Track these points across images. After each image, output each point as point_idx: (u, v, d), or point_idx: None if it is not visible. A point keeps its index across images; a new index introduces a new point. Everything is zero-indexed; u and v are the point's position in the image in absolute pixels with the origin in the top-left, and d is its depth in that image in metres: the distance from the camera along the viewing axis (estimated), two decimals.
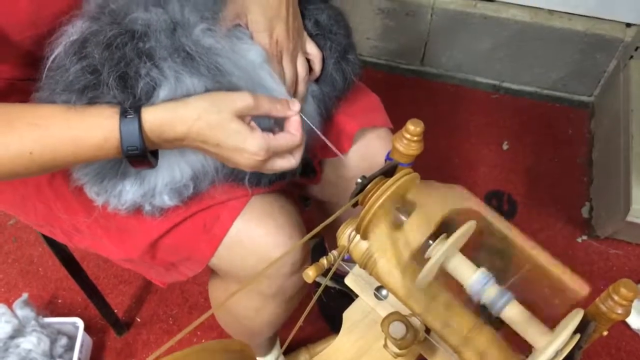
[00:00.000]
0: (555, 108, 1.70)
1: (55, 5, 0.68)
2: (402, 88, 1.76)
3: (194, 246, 0.80)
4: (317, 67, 0.79)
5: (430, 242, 0.58)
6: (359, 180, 0.63)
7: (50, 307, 1.32)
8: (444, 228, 0.59)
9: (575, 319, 0.51)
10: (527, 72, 1.68)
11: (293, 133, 0.67)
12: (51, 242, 0.99)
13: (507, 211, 1.51)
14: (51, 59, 0.66)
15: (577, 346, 0.50)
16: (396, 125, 0.93)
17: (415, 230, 0.58)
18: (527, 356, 0.54)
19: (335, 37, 0.80)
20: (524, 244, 0.57)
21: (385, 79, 1.77)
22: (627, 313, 0.52)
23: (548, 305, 0.55)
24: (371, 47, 1.75)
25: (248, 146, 0.63)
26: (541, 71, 1.66)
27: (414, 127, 0.64)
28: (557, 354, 0.50)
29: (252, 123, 0.64)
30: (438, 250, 0.56)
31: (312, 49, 0.78)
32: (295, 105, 0.67)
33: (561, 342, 0.49)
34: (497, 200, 1.53)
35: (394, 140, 0.66)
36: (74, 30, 0.66)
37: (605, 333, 0.54)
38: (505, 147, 1.62)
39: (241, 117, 0.63)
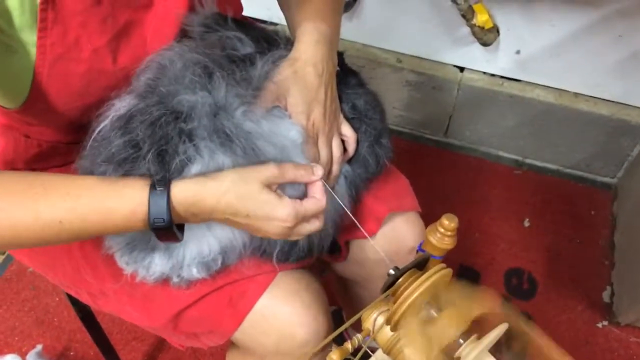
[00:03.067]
0: (578, 187, 1.71)
1: (104, 81, 0.71)
2: (426, 157, 1.77)
3: (218, 319, 0.80)
4: (351, 148, 0.80)
5: (461, 340, 0.58)
6: (391, 272, 0.64)
7: (62, 359, 1.31)
8: (472, 327, 0.59)
9: None
10: (551, 150, 1.69)
11: (318, 198, 0.68)
12: (72, 298, 0.99)
13: (527, 290, 1.49)
14: (97, 130, 0.69)
15: None
16: (417, 194, 0.94)
17: (448, 326, 0.59)
18: None
19: (370, 121, 0.82)
20: (542, 343, 0.56)
21: (409, 148, 1.79)
22: None
23: None
24: (396, 116, 1.78)
25: (278, 214, 0.64)
26: (565, 150, 1.67)
27: (448, 222, 0.65)
28: None
29: (279, 191, 0.66)
30: (469, 353, 0.55)
31: (347, 130, 0.79)
32: (319, 170, 0.69)
33: None
34: (517, 279, 1.51)
35: (428, 234, 0.66)
36: (122, 105, 0.68)
37: None
38: (526, 224, 1.62)
39: (269, 186, 0.64)
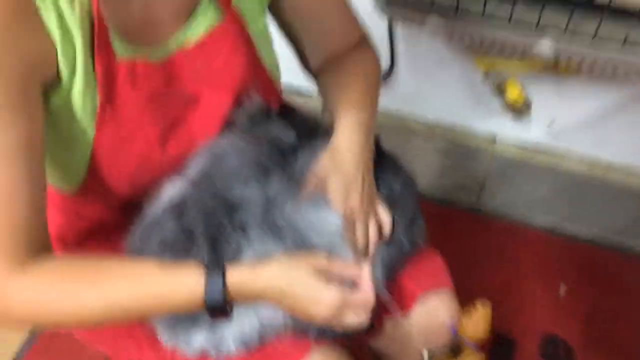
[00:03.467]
0: (614, 257, 1.69)
1: (153, 168, 0.77)
2: (457, 222, 1.79)
3: None
4: (386, 231, 0.84)
5: None
6: (425, 355, 0.66)
7: None
8: None
9: None
10: (586, 219, 1.69)
11: (367, 291, 0.71)
12: None
13: (563, 358, 1.47)
14: (149, 214, 0.74)
15: None
16: (450, 259, 0.95)
17: None
18: None
19: (405, 205, 0.86)
20: None
21: (440, 212, 1.81)
22: None
23: None
24: (429, 183, 1.81)
25: (324, 299, 0.67)
26: (600, 219, 1.67)
27: (483, 310, 0.67)
28: None
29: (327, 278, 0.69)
30: None
31: (383, 214, 0.83)
32: (365, 271, 0.72)
33: None
34: (553, 347, 1.50)
35: (462, 318, 0.69)
36: (174, 190, 0.74)
37: None
38: (561, 291, 1.61)
39: (318, 273, 0.68)
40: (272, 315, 0.77)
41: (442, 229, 1.75)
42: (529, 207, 1.75)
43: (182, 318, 0.77)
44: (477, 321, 0.67)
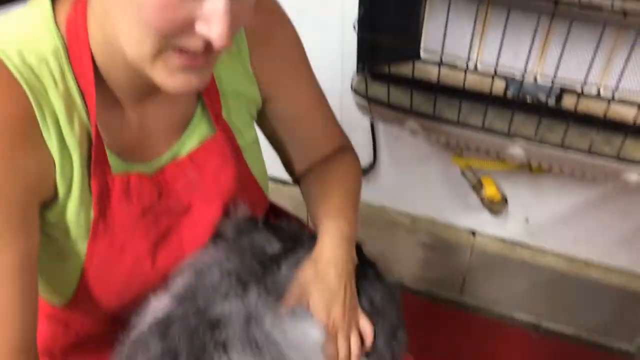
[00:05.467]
0: (597, 355, 1.69)
1: (143, 281, 0.77)
2: (441, 317, 1.79)
3: None
4: (368, 342, 0.83)
5: None
6: None
7: None
8: None
9: None
10: (567, 314, 1.70)
11: None
12: None
13: None
14: (135, 332, 0.73)
15: None
16: (433, 354, 0.93)
17: None
18: None
19: (387, 316, 0.86)
20: None
21: (424, 306, 1.81)
22: None
23: None
24: (412, 275, 1.82)
25: None
26: (581, 315, 1.68)
27: None
28: None
29: None
30: None
31: (365, 325, 0.83)
32: None
33: None
34: None
35: None
36: (159, 305, 0.74)
37: None
38: None
39: None
40: None
41: (424, 322, 1.75)
42: (510, 302, 1.75)
43: None
44: None
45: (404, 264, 1.79)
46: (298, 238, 0.85)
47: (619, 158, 1.07)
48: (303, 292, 0.78)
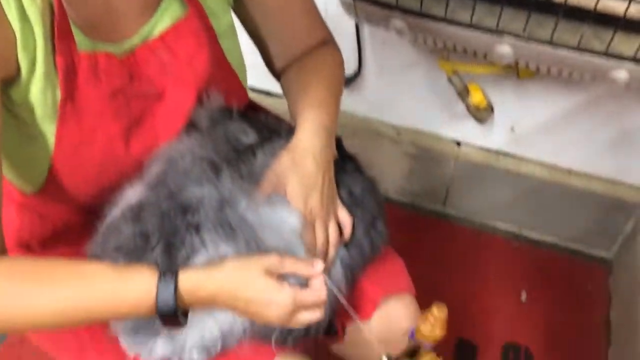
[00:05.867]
0: (574, 261, 1.72)
1: (117, 168, 0.75)
2: (424, 227, 1.80)
3: None
4: (347, 232, 0.83)
5: None
6: (384, 359, 0.66)
7: None
8: None
9: None
10: (547, 223, 1.72)
11: (317, 289, 0.70)
12: None
13: None
14: (109, 218, 0.72)
15: None
16: (416, 264, 0.95)
17: None
18: None
19: (366, 207, 0.85)
20: None
21: (408, 218, 1.82)
22: None
23: None
24: (396, 187, 1.82)
25: (276, 299, 0.66)
26: (561, 224, 1.70)
27: (438, 313, 0.67)
28: None
29: (280, 279, 0.68)
30: None
31: (343, 215, 0.83)
32: (319, 266, 0.71)
33: None
34: (514, 354, 1.51)
35: (419, 323, 0.69)
36: (133, 194, 0.72)
37: None
38: (523, 297, 1.63)
39: (269, 273, 0.67)
40: (230, 321, 0.76)
41: (408, 233, 1.76)
42: (492, 212, 1.77)
43: (144, 326, 0.75)
44: (434, 324, 0.67)
45: (388, 175, 1.79)
46: (275, 130, 0.83)
47: (607, 54, 1.04)
48: (280, 180, 0.76)
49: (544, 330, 1.56)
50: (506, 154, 1.63)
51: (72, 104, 0.69)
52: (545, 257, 1.73)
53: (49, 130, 0.69)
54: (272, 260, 0.68)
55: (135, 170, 0.75)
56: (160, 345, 0.75)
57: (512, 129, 1.56)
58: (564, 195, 1.61)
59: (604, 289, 1.65)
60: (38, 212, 0.82)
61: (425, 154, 1.69)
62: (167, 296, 0.64)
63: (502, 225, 1.78)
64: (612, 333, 1.53)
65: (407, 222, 1.81)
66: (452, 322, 1.49)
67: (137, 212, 0.69)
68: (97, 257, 0.72)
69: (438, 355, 0.67)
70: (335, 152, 0.83)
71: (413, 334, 0.71)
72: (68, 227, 0.84)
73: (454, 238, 1.78)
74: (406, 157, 1.73)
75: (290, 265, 0.69)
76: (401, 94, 1.62)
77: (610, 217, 1.61)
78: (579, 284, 1.67)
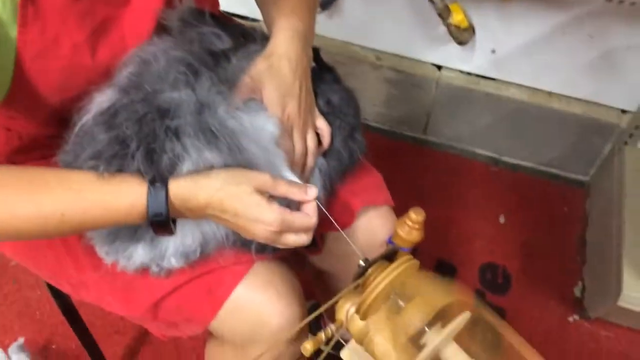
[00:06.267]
0: (552, 185, 1.75)
1: (84, 76, 0.72)
2: (405, 154, 1.80)
3: (196, 308, 0.82)
4: (325, 141, 0.83)
5: (426, 328, 0.61)
6: (362, 263, 0.66)
7: (44, 352, 1.32)
8: (439, 316, 0.62)
9: None
10: (526, 148, 1.73)
11: (309, 214, 0.70)
12: (53, 289, 1.01)
13: (502, 284, 1.53)
14: (79, 125, 0.70)
15: None
16: (397, 191, 0.96)
17: (414, 316, 0.61)
18: None
19: (344, 116, 0.84)
20: (512, 339, 0.59)
21: (388, 145, 1.82)
22: None
23: None
24: (376, 114, 1.80)
25: (264, 217, 0.66)
26: (539, 148, 1.71)
27: (415, 216, 0.68)
28: None
29: (271, 198, 0.68)
30: (434, 340, 0.58)
31: (321, 124, 0.82)
32: (312, 192, 0.71)
33: None
34: (492, 273, 1.55)
35: (396, 226, 0.69)
36: (104, 98, 0.70)
37: None
38: (502, 220, 1.65)
39: (260, 191, 0.67)
40: (213, 229, 0.75)
41: (390, 161, 1.77)
42: (472, 138, 1.77)
43: (122, 232, 0.75)
44: (411, 227, 0.67)
45: (368, 101, 1.77)
46: (250, 35, 0.81)
47: None
48: (256, 85, 0.75)
49: (521, 250, 1.59)
50: (487, 78, 1.62)
51: (34, 8, 0.65)
52: (524, 182, 1.75)
53: (12, 34, 0.66)
54: (265, 180, 0.67)
55: (104, 78, 0.73)
56: (141, 252, 0.75)
57: (493, 51, 1.55)
58: (543, 118, 1.61)
59: (580, 211, 1.68)
60: (4, 125, 0.79)
61: (405, 79, 1.68)
62: (159, 205, 0.64)
63: (481, 151, 1.79)
64: (587, 252, 1.57)
65: (387, 149, 1.81)
66: (431, 245, 1.52)
67: (110, 117, 0.66)
68: (71, 165, 0.70)
69: (415, 258, 0.67)
70: (311, 59, 0.81)
71: (390, 239, 0.71)
72: (35, 141, 0.81)
73: (434, 165, 1.79)
74: (386, 82, 1.71)
75: (282, 188, 0.68)
76: (381, 17, 1.59)
77: (588, 140, 1.63)
78: (556, 206, 1.70)
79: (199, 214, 0.68)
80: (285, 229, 0.68)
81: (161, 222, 0.66)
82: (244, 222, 0.67)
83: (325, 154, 0.83)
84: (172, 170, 0.66)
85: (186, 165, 0.66)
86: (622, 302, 1.29)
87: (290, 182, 0.70)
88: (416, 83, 1.67)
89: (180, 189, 0.65)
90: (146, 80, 0.68)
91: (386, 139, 1.84)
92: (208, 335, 0.96)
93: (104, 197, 0.65)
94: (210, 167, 0.67)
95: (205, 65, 0.70)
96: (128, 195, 0.65)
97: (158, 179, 0.65)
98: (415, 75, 1.66)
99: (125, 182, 0.65)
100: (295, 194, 0.69)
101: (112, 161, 0.66)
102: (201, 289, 0.81)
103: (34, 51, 0.68)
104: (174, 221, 0.69)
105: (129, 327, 1.36)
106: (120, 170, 0.66)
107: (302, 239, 0.70)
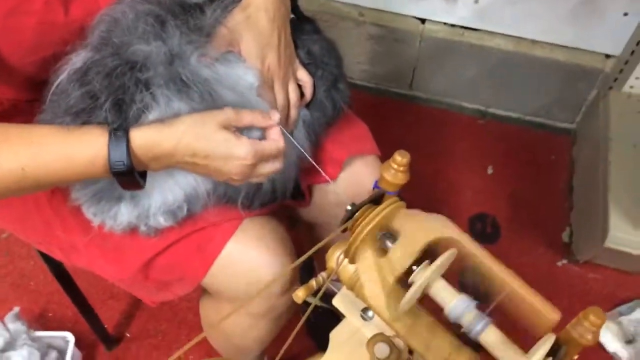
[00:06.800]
0: (538, 134, 1.76)
1: (57, 35, 0.71)
2: (391, 111, 1.80)
3: (187, 266, 0.82)
4: (308, 92, 0.82)
5: (414, 267, 0.62)
6: (349, 208, 0.67)
7: (41, 320, 1.34)
8: (427, 254, 0.62)
9: (546, 343, 0.55)
10: (512, 99, 1.73)
11: (275, 139, 0.70)
12: (46, 257, 1.01)
13: (491, 234, 1.55)
14: (55, 84, 0.69)
15: None
16: (384, 147, 0.97)
17: (400, 256, 0.62)
18: None
19: (326, 66, 0.84)
20: (499, 271, 0.60)
21: (374, 102, 1.81)
22: (596, 339, 0.55)
23: (524, 330, 0.59)
24: (361, 71, 1.79)
25: (236, 152, 0.66)
26: (525, 98, 1.71)
27: (400, 158, 0.68)
28: None
29: (237, 133, 0.68)
30: (421, 276, 0.59)
31: (303, 75, 0.81)
32: (275, 115, 0.71)
33: None
34: (481, 223, 1.57)
35: (382, 170, 0.69)
36: (78, 59, 0.69)
37: (575, 357, 0.58)
38: (489, 171, 1.67)
39: (226, 127, 0.66)
40: (193, 184, 0.75)
41: (377, 118, 1.76)
42: (458, 92, 1.77)
43: (106, 192, 0.75)
44: (396, 169, 0.67)
45: (353, 59, 1.76)
46: None
47: None
48: (234, 36, 0.73)
49: (510, 200, 1.61)
50: (471, 29, 1.61)
51: None
52: (511, 133, 1.76)
53: None
54: (228, 114, 0.66)
55: (78, 37, 0.72)
56: (124, 210, 0.75)
57: (476, 1, 1.53)
58: (528, 67, 1.61)
59: (567, 158, 1.70)
60: None
61: (389, 34, 1.66)
62: (120, 154, 0.63)
63: (468, 104, 1.79)
64: (574, 198, 1.59)
65: (373, 106, 1.80)
66: (420, 198, 1.53)
67: (83, 74, 0.66)
68: (48, 124, 0.69)
69: (401, 200, 0.68)
70: (289, 9, 0.80)
71: (377, 184, 0.72)
72: (15, 106, 0.81)
73: (421, 120, 1.78)
74: (370, 39, 1.69)
75: (246, 118, 0.68)
76: None
77: (573, 87, 1.63)
78: (543, 155, 1.71)
79: (166, 163, 0.67)
80: (258, 159, 0.68)
81: (124, 172, 0.64)
82: (216, 162, 0.66)
83: (308, 106, 0.83)
84: (139, 119, 0.65)
85: (152, 115, 0.65)
86: (609, 244, 1.31)
87: (253, 111, 0.69)
88: (400, 38, 1.66)
89: (143, 137, 0.64)
90: (116, 35, 0.68)
91: (372, 96, 1.83)
92: (202, 292, 0.97)
93: (66, 149, 0.64)
94: (177, 115, 0.66)
95: (174, 16, 0.69)
96: (90, 145, 0.64)
97: (120, 128, 0.64)
98: (399, 30, 1.64)
99: (88, 133, 0.64)
100: (260, 121, 0.69)
101: (81, 114, 0.66)
102: (191, 246, 0.81)
103: (6, 9, 0.67)
104: (143, 175, 0.68)
105: (123, 292, 1.37)
106: (88, 122, 0.65)
107: (276, 166, 0.70)
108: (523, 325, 0.58)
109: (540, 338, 0.57)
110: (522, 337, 0.58)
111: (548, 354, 0.55)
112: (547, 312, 0.57)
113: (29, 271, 1.41)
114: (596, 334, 0.55)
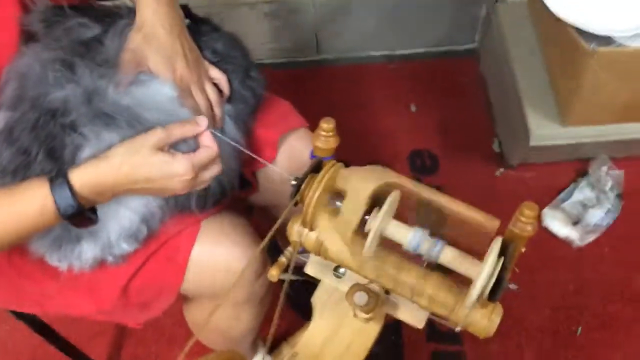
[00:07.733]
0: (447, 61, 1.84)
1: None
2: (306, 80, 1.84)
3: (163, 279, 0.86)
4: (225, 88, 0.85)
5: (367, 217, 0.67)
6: (293, 182, 0.71)
7: None
8: (377, 203, 0.68)
9: (496, 245, 0.62)
10: (414, 36, 1.80)
11: (209, 145, 0.73)
12: (19, 314, 1.02)
13: (431, 166, 1.63)
14: None
15: (504, 267, 0.61)
16: (310, 117, 1.01)
17: (351, 211, 0.67)
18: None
19: (234, 60, 0.87)
20: (438, 198, 0.66)
21: (287, 76, 1.84)
22: (535, 229, 0.62)
23: (475, 243, 0.66)
24: (268, 50, 1.82)
25: (175, 170, 0.69)
26: (426, 32, 1.79)
27: (327, 125, 0.73)
28: (489, 277, 0.60)
29: (172, 150, 0.71)
30: (373, 223, 0.65)
31: (215, 73, 0.84)
32: (202, 121, 0.74)
33: (490, 266, 0.59)
34: (420, 159, 1.65)
35: (314, 140, 0.74)
36: None
37: (523, 250, 0.65)
38: (413, 109, 1.74)
39: (160, 148, 0.69)
40: (144, 203, 0.78)
41: (294, 92, 1.79)
42: (363, 43, 1.82)
43: (65, 236, 0.77)
44: (326, 137, 0.72)
45: (257, 41, 1.78)
46: (115, 14, 0.81)
47: None
48: (138, 57, 0.75)
49: (439, 130, 1.70)
50: None
51: None
52: (422, 67, 1.83)
53: None
54: (158, 135, 0.68)
55: None
56: (86, 247, 0.77)
57: None
58: (421, 2, 1.68)
59: (477, 77, 1.79)
60: None
61: (283, 7, 1.69)
62: (65, 198, 0.65)
63: (375, 52, 1.85)
64: (494, 110, 1.69)
65: (288, 80, 1.83)
66: (356, 153, 1.59)
67: (8, 133, 0.67)
68: None
69: (339, 161, 0.73)
70: (182, 16, 0.82)
71: (312, 154, 0.77)
72: None
73: (336, 80, 1.83)
74: (267, 17, 1.72)
75: (176, 132, 0.70)
76: None
77: (465, 10, 1.72)
78: (456, 79, 1.80)
79: (111, 194, 0.69)
80: (197, 170, 0.70)
81: (75, 215, 0.66)
82: (158, 183, 0.69)
83: (229, 100, 0.86)
84: (75, 160, 0.67)
85: (86, 152, 0.68)
86: (534, 142, 1.42)
87: (181, 123, 0.71)
88: (294, 9, 1.69)
89: (83, 177, 0.66)
90: (29, 89, 0.69)
91: (284, 71, 1.86)
92: (182, 301, 1.00)
93: (14, 209, 0.66)
94: (110, 146, 0.68)
95: (80, 56, 0.71)
96: (34, 199, 0.65)
97: (59, 175, 0.66)
98: (290, 2, 1.68)
99: (29, 189, 0.66)
100: (189, 130, 0.72)
101: (18, 172, 0.68)
102: (161, 261, 0.84)
103: None
104: (94, 210, 0.70)
105: (105, 326, 1.38)
106: (27, 178, 0.67)
107: (215, 170, 0.74)
108: (474, 243, 0.65)
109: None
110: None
111: (501, 255, 0.62)
112: (487, 222, 0.64)
113: (5, 336, 1.40)
114: (534, 225, 0.62)
